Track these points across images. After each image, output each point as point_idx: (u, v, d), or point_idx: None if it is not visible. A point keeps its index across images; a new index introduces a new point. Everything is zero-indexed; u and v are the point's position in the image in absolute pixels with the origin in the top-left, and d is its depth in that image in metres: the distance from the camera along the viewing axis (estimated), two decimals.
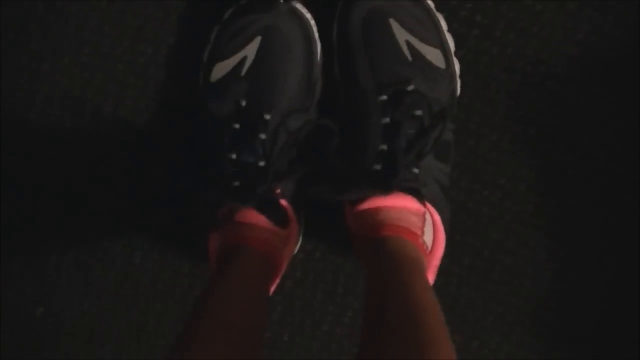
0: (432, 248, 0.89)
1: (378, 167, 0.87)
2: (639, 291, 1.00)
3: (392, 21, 0.88)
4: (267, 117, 0.88)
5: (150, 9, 0.96)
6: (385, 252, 0.83)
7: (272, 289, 0.92)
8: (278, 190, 0.88)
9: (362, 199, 0.86)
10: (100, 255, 1.05)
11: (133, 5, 0.96)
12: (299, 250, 1.00)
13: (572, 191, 0.99)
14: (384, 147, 0.87)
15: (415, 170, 0.87)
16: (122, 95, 0.99)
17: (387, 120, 0.87)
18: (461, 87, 0.94)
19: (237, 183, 0.87)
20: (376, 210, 0.86)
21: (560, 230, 1.00)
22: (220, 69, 0.90)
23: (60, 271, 1.05)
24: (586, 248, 1.01)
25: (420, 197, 0.86)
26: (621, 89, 0.96)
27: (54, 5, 0.96)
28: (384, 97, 0.87)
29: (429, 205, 0.87)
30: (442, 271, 0.94)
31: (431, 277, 0.90)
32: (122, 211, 1.02)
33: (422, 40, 0.88)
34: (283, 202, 0.89)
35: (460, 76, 0.92)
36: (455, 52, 0.91)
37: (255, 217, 0.87)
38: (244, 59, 0.89)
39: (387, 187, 0.85)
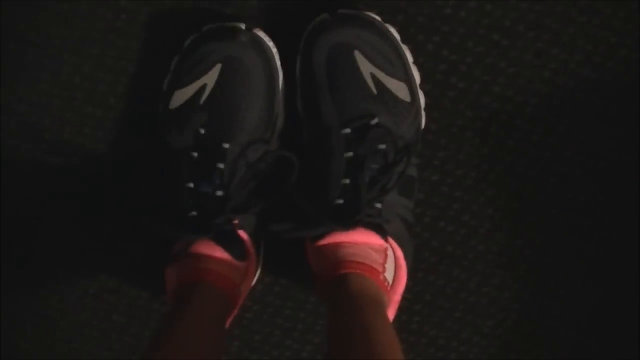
0: (393, 284, 0.87)
1: (340, 201, 0.85)
2: (605, 336, 0.99)
3: (357, 53, 0.86)
4: (226, 146, 0.86)
5: (111, 37, 0.93)
6: (346, 291, 0.81)
7: (229, 321, 0.89)
8: (236, 222, 0.86)
9: (324, 235, 0.85)
10: (55, 285, 1.02)
11: (93, 33, 0.93)
12: (257, 282, 0.98)
13: (538, 231, 0.98)
14: (347, 181, 0.85)
15: (378, 206, 0.85)
16: (81, 123, 0.96)
17: (350, 154, 0.85)
18: (426, 122, 0.92)
19: (194, 213, 0.85)
20: (337, 246, 0.85)
21: (524, 270, 0.99)
22: (180, 97, 0.88)
23: (13, 301, 1.02)
24: (551, 289, 0.99)
25: (383, 233, 0.85)
26: (589, 128, 0.94)
27: (12, 32, 0.94)
28: (348, 131, 0.86)
29: (391, 240, 0.86)
30: (404, 308, 0.93)
31: (392, 313, 0.88)
32: (76, 242, 1.00)
33: (387, 73, 0.87)
34: (241, 233, 0.87)
35: (425, 109, 0.91)
36: (420, 85, 0.90)
37: (212, 249, 0.85)
38: (204, 87, 0.87)
39: (349, 223, 0.83)
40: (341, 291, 0.82)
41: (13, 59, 0.95)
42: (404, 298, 0.90)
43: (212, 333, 0.83)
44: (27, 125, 0.96)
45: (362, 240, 0.84)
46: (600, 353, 1.00)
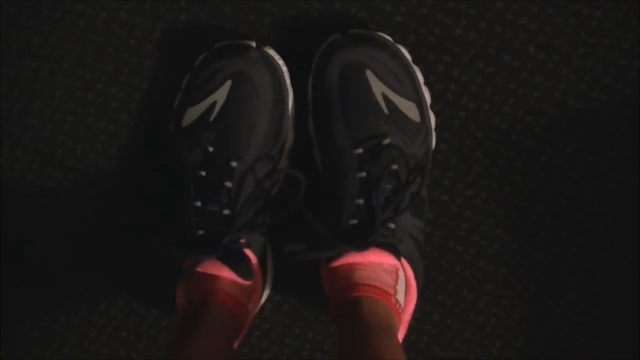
0: (404, 304, 0.86)
1: (354, 222, 0.84)
2: (614, 356, 0.98)
3: (368, 73, 0.85)
4: (234, 164, 0.84)
5: (125, 54, 0.93)
6: (358, 315, 0.80)
7: (238, 342, 0.88)
8: (242, 241, 0.85)
9: (337, 256, 0.83)
10: (64, 300, 1.01)
11: (107, 50, 0.93)
12: (267, 301, 0.96)
13: (547, 252, 0.96)
14: (360, 201, 0.84)
15: (392, 226, 0.84)
16: (93, 139, 0.95)
17: (363, 174, 0.84)
18: (436, 142, 0.91)
19: (201, 232, 0.84)
20: (350, 268, 0.83)
21: (533, 291, 0.97)
22: (191, 114, 0.87)
23: (21, 317, 1.01)
24: (560, 311, 0.97)
25: (397, 253, 0.83)
26: (598, 149, 0.93)
27: (28, 47, 0.93)
28: (360, 151, 0.84)
29: (403, 261, 0.84)
30: (412, 328, 0.92)
31: (402, 333, 0.86)
32: (87, 257, 0.99)
33: (398, 93, 0.85)
34: (248, 252, 0.85)
35: (436, 129, 0.89)
36: (431, 106, 0.89)
37: (219, 269, 0.83)
38: (214, 104, 0.85)
39: (363, 244, 0.82)
40: (353, 314, 0.80)
41: (28, 73, 0.94)
42: (413, 318, 0.88)
43: (221, 352, 0.81)
44: (40, 140, 0.95)
45: (375, 261, 0.83)
46: None
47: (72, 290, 1.01)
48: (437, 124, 0.90)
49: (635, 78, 0.91)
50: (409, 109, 0.86)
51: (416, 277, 0.86)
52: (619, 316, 0.97)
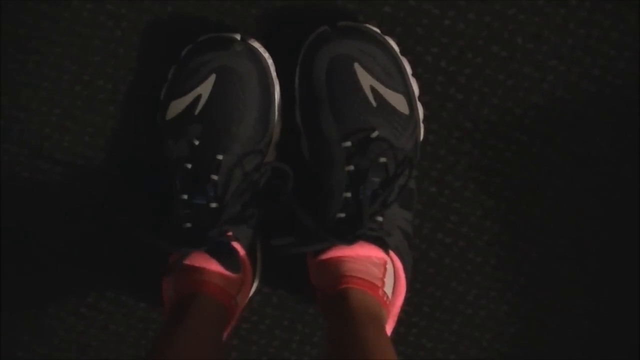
0: (392, 297, 0.85)
1: (342, 215, 0.83)
2: (604, 349, 0.97)
3: (356, 66, 0.84)
4: (220, 157, 0.83)
5: (111, 46, 0.91)
6: (346, 307, 0.79)
7: (227, 333, 0.87)
8: (230, 234, 0.84)
9: (325, 249, 0.83)
10: (53, 293, 1.00)
11: (93, 41, 0.91)
12: (255, 293, 0.96)
13: (536, 244, 0.95)
14: (348, 194, 0.83)
15: (380, 219, 0.83)
16: (81, 131, 0.94)
17: (351, 167, 0.83)
18: (425, 133, 0.90)
19: (188, 225, 0.83)
20: (338, 261, 0.82)
21: (523, 283, 0.96)
22: (176, 107, 0.86)
23: (9, 310, 1.01)
24: (549, 303, 0.97)
25: (385, 246, 0.83)
26: (587, 140, 0.92)
27: (13, 39, 0.92)
28: (348, 144, 0.84)
29: (392, 253, 0.84)
30: (402, 320, 0.91)
31: (390, 326, 0.86)
32: (74, 251, 0.98)
33: (386, 86, 0.84)
34: (236, 245, 0.84)
35: (424, 121, 0.88)
36: (419, 97, 0.88)
37: (207, 261, 0.82)
38: (199, 97, 0.84)
39: (351, 237, 0.81)
40: (341, 306, 0.80)
41: (14, 66, 0.93)
42: (402, 310, 0.87)
43: (210, 344, 0.80)
44: (27, 133, 0.94)
45: (363, 254, 0.82)
46: None
47: (61, 283, 1.00)
48: (425, 116, 0.89)
49: (625, 69, 0.90)
50: (397, 101, 0.85)
51: (405, 270, 0.85)
52: (608, 307, 0.96)
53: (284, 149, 0.90)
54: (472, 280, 0.97)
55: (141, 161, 0.94)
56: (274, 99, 0.87)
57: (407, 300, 0.88)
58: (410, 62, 0.88)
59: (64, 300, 1.01)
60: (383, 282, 0.83)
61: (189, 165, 0.84)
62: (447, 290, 0.97)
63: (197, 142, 0.84)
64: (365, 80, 0.84)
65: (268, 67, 0.86)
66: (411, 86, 0.86)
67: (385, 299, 0.83)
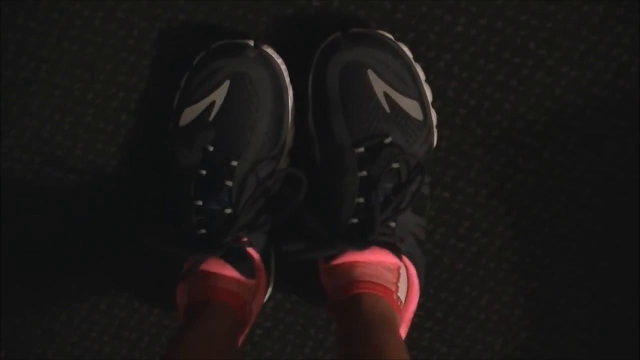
0: (405, 302, 0.84)
1: (354, 221, 0.82)
2: (616, 354, 0.96)
3: (370, 72, 0.82)
4: (234, 164, 0.83)
5: (123, 54, 0.90)
6: (359, 311, 0.79)
7: (241, 339, 0.87)
8: (245, 240, 0.83)
9: (337, 255, 0.82)
10: (66, 299, 0.99)
11: (105, 50, 0.90)
12: (269, 299, 0.94)
13: (548, 249, 0.94)
14: (361, 200, 0.82)
15: (392, 225, 0.82)
16: (93, 139, 0.93)
17: (364, 173, 0.82)
18: (437, 139, 0.88)
19: (203, 231, 0.82)
20: (350, 266, 0.82)
21: (535, 288, 0.95)
22: (189, 114, 0.85)
23: (23, 316, 1.00)
24: (562, 307, 0.96)
25: (397, 252, 0.81)
26: (599, 146, 0.91)
27: (26, 47, 0.91)
28: (361, 150, 0.82)
29: (405, 259, 0.82)
30: (415, 325, 0.90)
31: (404, 331, 0.85)
32: (89, 256, 0.97)
33: (399, 91, 0.83)
34: (250, 251, 0.83)
35: (437, 127, 0.87)
36: (432, 103, 0.87)
37: (222, 267, 0.82)
38: (212, 104, 0.84)
39: (363, 243, 0.80)
40: (354, 311, 0.79)
41: (26, 74, 0.92)
42: (416, 315, 0.86)
43: (224, 350, 0.80)
44: (39, 141, 0.94)
45: (375, 259, 0.81)
46: None
47: (74, 290, 0.99)
48: (438, 121, 0.88)
49: (637, 74, 0.89)
50: (411, 107, 0.84)
51: (418, 276, 0.84)
52: (620, 313, 0.95)
53: (296, 155, 0.89)
54: (485, 286, 0.96)
55: (154, 168, 0.93)
56: (288, 105, 0.86)
57: (421, 306, 0.87)
58: (422, 68, 0.87)
59: (76, 308, 1.00)
60: (397, 287, 0.82)
61: (204, 172, 0.83)
62: (460, 296, 0.96)
63: (211, 149, 0.83)
64: (379, 86, 0.83)
65: (281, 72, 0.85)
66: (424, 92, 0.85)
67: (398, 303, 0.82)
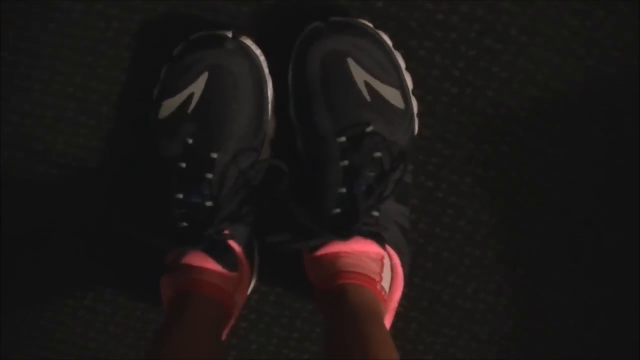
0: (390, 291, 0.84)
1: (337, 210, 0.82)
2: (602, 341, 0.96)
3: (350, 61, 0.82)
4: (215, 156, 0.82)
5: (103, 46, 0.89)
6: (344, 302, 0.78)
7: (226, 332, 0.86)
8: (226, 232, 0.82)
9: (321, 245, 0.81)
10: (51, 295, 0.99)
11: (85, 42, 0.89)
12: (253, 291, 0.94)
13: (533, 236, 0.94)
14: (343, 190, 0.82)
15: (376, 214, 0.82)
16: (74, 133, 0.92)
17: (346, 163, 0.82)
18: (420, 128, 0.88)
19: (184, 224, 0.82)
20: (335, 256, 0.81)
21: (521, 276, 0.95)
22: (168, 106, 0.84)
23: (8, 314, 0.99)
24: (548, 294, 0.95)
25: (381, 241, 0.81)
26: (583, 132, 0.91)
27: (4, 41, 0.90)
28: (343, 139, 0.82)
29: (389, 248, 0.82)
30: (400, 315, 0.90)
31: (389, 320, 0.85)
32: (70, 252, 0.96)
33: (380, 80, 0.83)
34: (232, 243, 0.83)
35: (419, 115, 0.87)
36: (413, 91, 0.86)
37: (204, 260, 0.81)
38: (191, 95, 0.83)
39: (347, 233, 0.80)
40: (339, 301, 0.79)
41: (5, 69, 0.91)
42: (401, 305, 0.86)
43: (208, 343, 0.79)
44: (20, 136, 0.92)
45: (359, 249, 0.81)
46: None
47: (58, 285, 0.99)
48: (420, 110, 0.87)
49: (619, 59, 0.88)
50: (392, 96, 0.83)
51: (402, 264, 0.84)
52: (607, 299, 0.95)
53: (278, 145, 0.88)
54: (471, 274, 0.95)
55: (135, 161, 0.92)
56: (267, 96, 0.85)
57: (406, 295, 0.87)
58: (403, 56, 0.86)
59: (61, 303, 0.99)
60: (381, 277, 0.82)
61: (184, 164, 0.82)
62: (445, 284, 0.96)
63: (190, 141, 0.82)
64: (359, 75, 0.82)
65: (260, 64, 0.84)
66: (405, 80, 0.85)
67: (383, 293, 0.82)
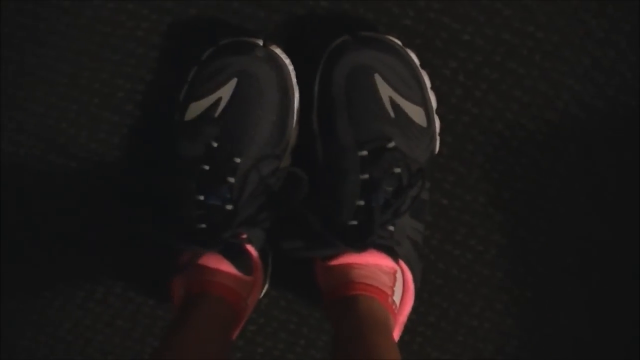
0: (400, 306, 0.85)
1: (353, 222, 0.83)
2: None
3: (376, 77, 0.83)
4: (237, 160, 0.83)
5: (131, 45, 0.91)
6: (354, 312, 0.79)
7: (235, 334, 0.87)
8: (244, 236, 0.83)
9: (335, 255, 0.82)
10: (61, 286, 0.99)
11: (113, 40, 0.91)
12: (263, 296, 0.95)
13: (543, 259, 0.94)
14: (361, 202, 0.82)
15: (391, 228, 0.83)
16: (97, 128, 0.93)
17: (365, 176, 0.83)
18: (439, 145, 0.90)
19: (202, 225, 0.83)
20: (348, 267, 0.82)
21: (528, 298, 0.96)
22: (195, 109, 0.85)
23: (18, 299, 1.00)
24: (554, 318, 0.96)
25: (394, 255, 0.82)
26: (598, 159, 0.92)
27: (34, 34, 0.91)
28: (364, 153, 0.83)
29: (401, 263, 0.83)
30: (406, 328, 0.90)
31: (397, 334, 0.85)
32: (85, 244, 0.97)
33: (405, 97, 0.84)
34: (249, 247, 0.84)
35: (440, 134, 0.88)
36: (436, 110, 0.87)
37: (219, 262, 0.82)
38: (219, 100, 0.84)
39: (361, 245, 0.81)
40: (350, 312, 0.79)
41: (33, 60, 0.92)
42: (408, 319, 0.86)
43: (217, 342, 0.80)
44: (43, 127, 0.93)
45: (373, 262, 0.82)
46: None
47: (69, 276, 0.99)
48: (440, 128, 0.88)
49: (638, 90, 0.89)
50: (415, 113, 0.84)
51: (414, 280, 0.85)
52: (613, 326, 0.96)
53: (297, 153, 0.89)
54: (478, 293, 0.96)
55: (156, 160, 0.93)
56: (293, 105, 0.86)
57: (413, 309, 0.87)
58: (428, 75, 0.87)
59: (72, 294, 1.00)
60: (392, 291, 0.83)
61: (206, 167, 0.83)
62: (453, 301, 0.96)
63: (215, 144, 0.83)
64: (385, 91, 0.83)
65: (288, 73, 0.85)
66: (429, 99, 0.86)
67: (393, 307, 0.82)
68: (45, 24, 0.91)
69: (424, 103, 0.85)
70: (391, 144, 0.83)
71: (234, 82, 0.83)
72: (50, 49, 0.92)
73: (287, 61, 0.85)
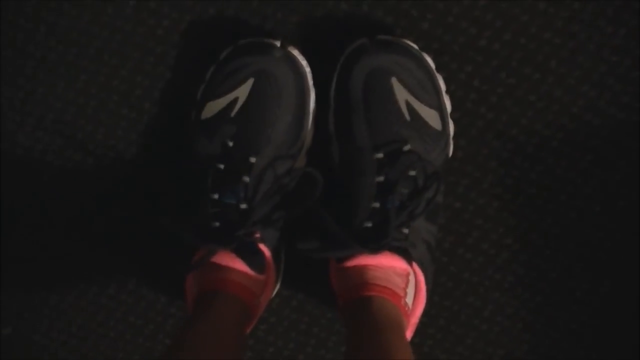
0: (412, 307, 0.85)
1: (369, 224, 0.83)
2: None
3: (394, 80, 0.83)
4: (253, 160, 0.83)
5: (151, 43, 0.92)
6: (368, 313, 0.79)
7: (247, 333, 0.87)
8: (258, 235, 0.84)
9: (350, 256, 0.83)
10: (75, 281, 1.00)
11: (134, 38, 0.92)
12: (275, 295, 0.95)
13: (554, 264, 0.95)
14: (377, 204, 0.83)
15: (406, 231, 0.83)
16: (115, 125, 0.94)
17: (381, 178, 0.83)
18: (453, 149, 0.89)
19: (217, 224, 0.83)
20: (362, 268, 0.82)
21: (538, 302, 0.96)
22: (212, 108, 0.85)
23: (32, 294, 1.00)
24: (564, 323, 0.96)
25: (408, 258, 0.82)
26: (612, 166, 0.92)
27: (55, 29, 0.92)
28: (380, 155, 0.83)
29: (415, 265, 0.83)
30: (417, 331, 0.90)
31: (408, 336, 0.86)
32: (101, 240, 0.98)
33: (421, 100, 0.84)
34: (262, 247, 0.84)
35: (454, 138, 0.88)
36: (451, 114, 0.88)
37: (233, 260, 0.82)
38: (236, 100, 0.84)
39: (376, 247, 0.81)
40: (364, 312, 0.80)
41: (54, 56, 0.93)
42: (419, 321, 0.87)
43: (231, 340, 0.80)
44: (62, 123, 0.94)
45: (387, 264, 0.82)
46: None
47: (83, 272, 1.00)
48: (455, 132, 0.89)
49: None
50: (430, 116, 0.85)
51: (427, 283, 0.85)
52: (621, 332, 0.96)
53: (312, 153, 0.90)
54: (489, 297, 0.96)
55: (173, 157, 0.94)
56: (309, 106, 0.86)
57: (425, 312, 0.88)
58: (443, 78, 0.87)
59: (85, 289, 1.01)
60: (405, 293, 0.83)
61: (222, 166, 0.84)
62: (464, 305, 0.97)
63: (231, 143, 0.84)
64: (401, 94, 0.84)
65: (305, 74, 0.85)
66: (444, 103, 0.86)
67: (406, 309, 0.83)
68: (66, 21, 0.92)
69: (439, 106, 0.85)
70: (407, 147, 0.83)
71: (251, 82, 0.84)
72: (71, 46, 0.92)
73: (305, 62, 0.86)
